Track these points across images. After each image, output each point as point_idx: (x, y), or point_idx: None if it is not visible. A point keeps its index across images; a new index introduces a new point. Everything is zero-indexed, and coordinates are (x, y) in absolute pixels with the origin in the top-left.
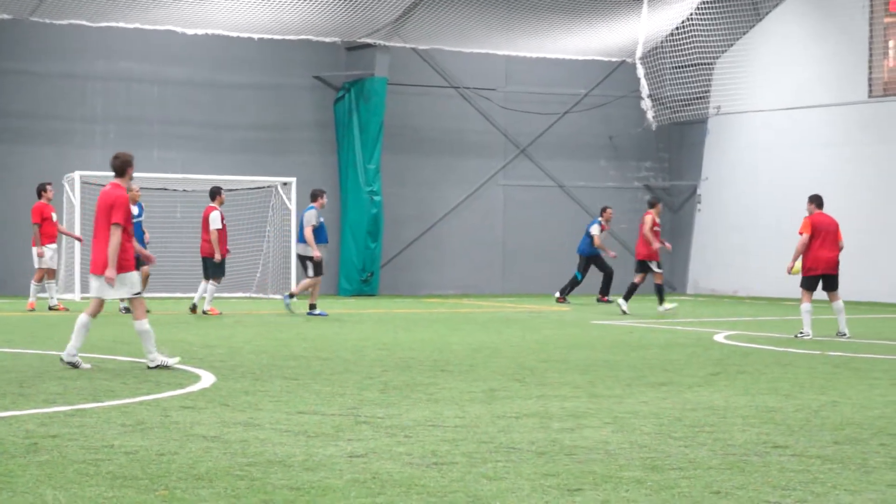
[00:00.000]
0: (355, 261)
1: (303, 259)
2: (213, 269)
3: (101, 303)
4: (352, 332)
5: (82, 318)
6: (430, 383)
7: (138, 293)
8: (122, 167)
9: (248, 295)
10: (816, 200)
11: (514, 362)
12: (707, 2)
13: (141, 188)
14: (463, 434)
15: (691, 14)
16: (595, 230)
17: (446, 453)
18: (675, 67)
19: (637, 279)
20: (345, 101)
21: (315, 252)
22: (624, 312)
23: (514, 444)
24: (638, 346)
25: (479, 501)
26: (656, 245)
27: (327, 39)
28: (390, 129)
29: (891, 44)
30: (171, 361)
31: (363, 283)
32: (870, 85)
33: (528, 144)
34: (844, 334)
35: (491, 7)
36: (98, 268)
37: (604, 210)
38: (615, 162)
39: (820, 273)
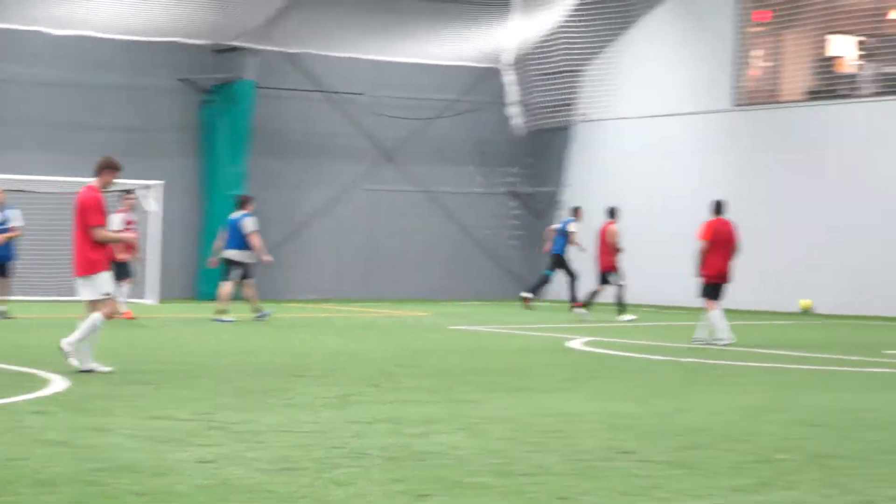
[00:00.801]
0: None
1: (235, 264)
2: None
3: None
4: (210, 337)
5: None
6: (286, 388)
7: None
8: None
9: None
10: (714, 207)
11: (371, 367)
12: (576, 10)
13: (5, 190)
14: (315, 439)
15: (560, 22)
16: (574, 227)
17: (297, 459)
18: (543, 74)
19: (598, 288)
20: (212, 104)
21: (267, 257)
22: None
23: (366, 449)
24: (496, 352)
25: None
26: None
27: (195, 42)
28: (257, 132)
29: (756, 53)
30: (103, 369)
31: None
32: (735, 94)
33: (393, 150)
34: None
35: (361, 11)
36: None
37: (576, 210)
38: (482, 168)
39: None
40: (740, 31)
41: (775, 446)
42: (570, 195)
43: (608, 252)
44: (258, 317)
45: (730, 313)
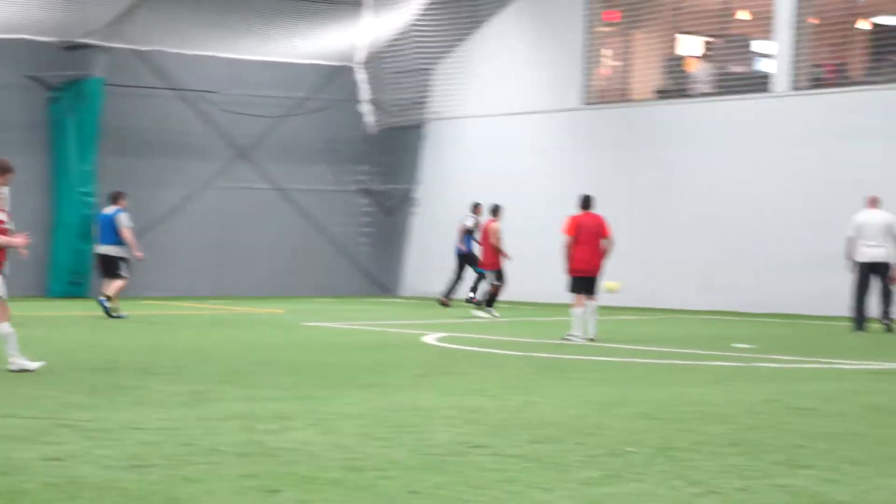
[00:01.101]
0: (66, 262)
1: (112, 259)
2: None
3: None
4: (60, 335)
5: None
6: (137, 386)
7: None
8: None
9: None
10: (581, 201)
11: (223, 364)
12: (428, 8)
13: None
14: (165, 436)
15: (411, 20)
16: (471, 222)
17: (147, 456)
18: (395, 72)
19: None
20: (60, 102)
21: (139, 253)
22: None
23: (217, 446)
24: (349, 348)
25: (176, 503)
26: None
27: (43, 38)
28: (108, 130)
29: (605, 52)
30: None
31: (74, 284)
32: (585, 92)
33: (247, 147)
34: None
35: (213, 9)
36: None
37: (476, 206)
38: (333, 166)
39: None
40: (590, 30)
41: (624, 439)
42: (423, 192)
43: (491, 250)
44: (116, 315)
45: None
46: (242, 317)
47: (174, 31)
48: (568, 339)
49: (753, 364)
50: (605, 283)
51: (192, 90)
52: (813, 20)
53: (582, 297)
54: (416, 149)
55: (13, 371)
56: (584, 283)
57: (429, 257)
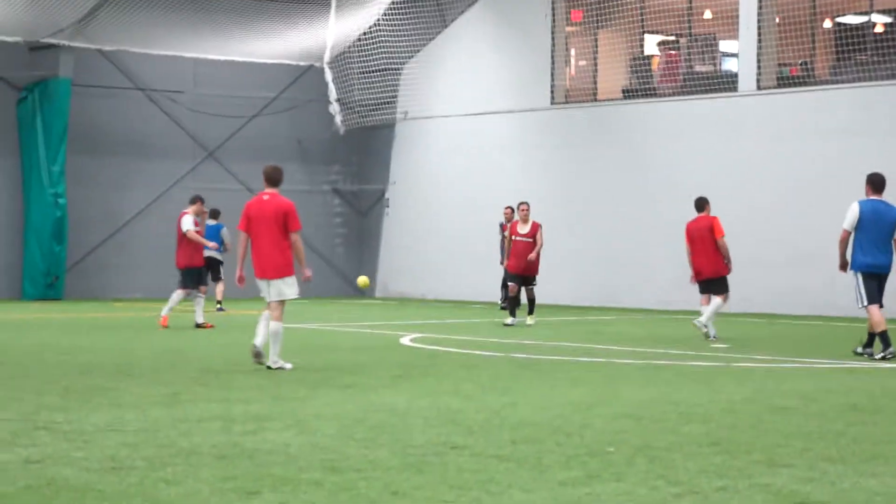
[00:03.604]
0: (40, 264)
1: (215, 263)
2: (198, 277)
3: None
4: (34, 337)
5: None
6: (113, 388)
7: None
8: None
9: None
10: (696, 204)
11: (199, 366)
12: (394, 8)
13: None
14: (143, 438)
15: (379, 20)
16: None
17: (125, 458)
18: (364, 72)
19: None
20: (27, 102)
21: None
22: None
23: (195, 447)
24: (325, 349)
25: None
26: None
27: (9, 39)
28: (75, 130)
29: (572, 52)
30: None
31: (48, 287)
32: (552, 92)
33: (216, 148)
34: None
35: (178, 9)
36: None
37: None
38: (304, 165)
39: (705, 278)
40: (557, 30)
41: (604, 439)
42: (395, 193)
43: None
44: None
45: (549, 309)
46: (216, 318)
47: (140, 31)
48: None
49: (732, 364)
50: (359, 279)
51: (159, 90)
52: (777, 19)
53: (706, 297)
54: (386, 148)
55: None
56: (706, 285)
57: (402, 257)
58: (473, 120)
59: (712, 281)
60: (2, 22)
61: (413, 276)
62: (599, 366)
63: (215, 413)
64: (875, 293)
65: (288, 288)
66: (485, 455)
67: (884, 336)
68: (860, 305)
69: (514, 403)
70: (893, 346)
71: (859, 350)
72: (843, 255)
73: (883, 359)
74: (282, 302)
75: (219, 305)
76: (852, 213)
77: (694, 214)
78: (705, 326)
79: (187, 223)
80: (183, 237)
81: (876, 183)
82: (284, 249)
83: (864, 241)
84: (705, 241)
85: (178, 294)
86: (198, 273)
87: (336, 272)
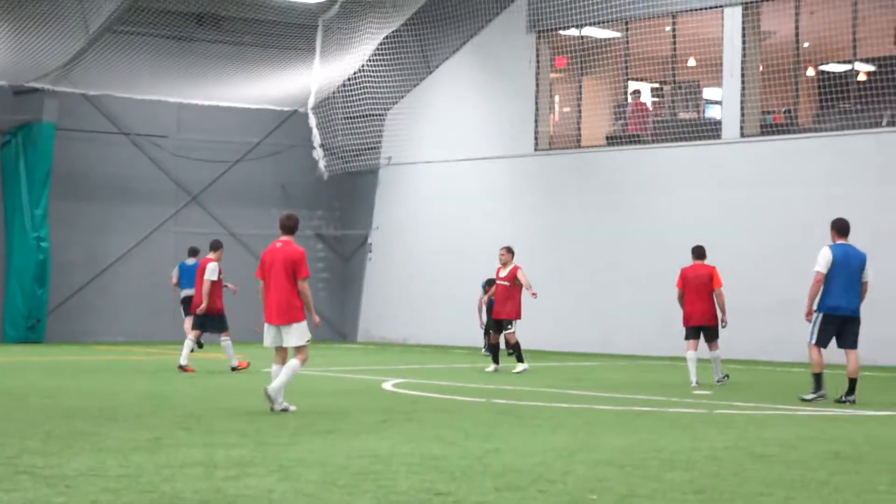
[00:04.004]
0: (21, 307)
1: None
2: (220, 323)
3: None
4: (15, 380)
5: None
6: (95, 432)
7: None
8: None
9: None
10: (695, 251)
11: (181, 410)
12: (378, 54)
13: None
14: (125, 483)
15: (363, 65)
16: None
17: None
18: (348, 118)
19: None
20: (11, 146)
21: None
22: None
23: (178, 493)
24: (307, 394)
25: None
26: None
27: None
28: (59, 174)
29: (556, 99)
30: None
31: (29, 329)
32: (536, 138)
33: (199, 192)
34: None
35: (162, 55)
36: None
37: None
38: (287, 210)
39: (695, 325)
40: (541, 77)
41: (587, 487)
42: (378, 238)
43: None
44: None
45: (536, 354)
46: (198, 362)
47: (124, 76)
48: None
49: (714, 410)
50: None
51: (143, 135)
52: (761, 67)
53: (692, 343)
54: (370, 194)
55: None
56: (697, 331)
57: (384, 303)
58: (457, 166)
59: (704, 329)
60: None
61: (395, 321)
62: (580, 412)
63: (198, 458)
64: (827, 336)
65: (298, 334)
66: (467, 502)
67: (817, 378)
68: (809, 340)
69: (496, 450)
70: (824, 390)
71: (842, 398)
72: (812, 299)
73: (804, 401)
74: (302, 346)
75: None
76: (825, 257)
77: (685, 261)
78: (724, 377)
79: (212, 272)
80: (210, 283)
81: (842, 228)
82: (294, 296)
83: (832, 285)
84: (702, 288)
85: (192, 338)
86: (220, 319)
87: (319, 316)
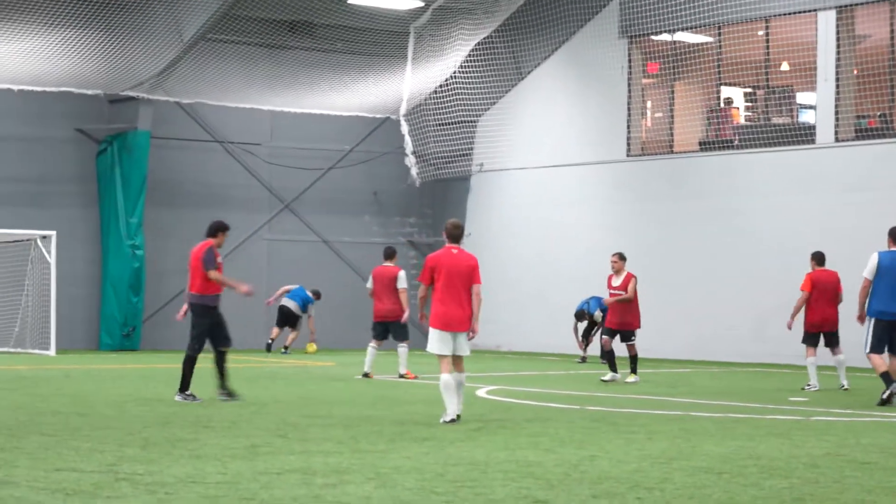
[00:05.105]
0: (117, 315)
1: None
2: (402, 331)
3: None
4: (112, 388)
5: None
6: (192, 439)
7: None
8: None
9: (5, 350)
10: (817, 257)
11: (277, 418)
12: (470, 60)
13: None
14: (224, 490)
15: (455, 72)
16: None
17: None
18: (439, 125)
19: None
20: (107, 154)
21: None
22: None
23: (277, 500)
24: (401, 402)
25: None
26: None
27: (89, 92)
28: (154, 182)
29: (648, 104)
30: None
31: (125, 337)
32: (628, 144)
33: (292, 199)
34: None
35: (255, 63)
36: None
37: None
38: (379, 217)
39: (819, 330)
40: (633, 82)
41: (685, 494)
42: (469, 244)
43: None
44: None
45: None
46: (293, 370)
47: (218, 84)
48: (806, 388)
49: (811, 417)
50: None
51: (236, 143)
52: (855, 71)
53: (812, 349)
54: (462, 201)
55: None
56: (818, 336)
57: None
58: (549, 172)
59: (828, 334)
60: (82, 76)
61: (488, 327)
62: (676, 419)
63: (295, 465)
64: (880, 342)
65: (469, 342)
66: None
67: (885, 377)
68: (866, 351)
69: (592, 457)
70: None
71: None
72: (862, 304)
73: (883, 401)
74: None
75: (285, 349)
76: (872, 263)
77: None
78: (843, 386)
79: (404, 280)
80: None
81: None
82: (470, 303)
83: (879, 289)
84: (830, 293)
85: (375, 346)
86: (403, 326)
87: (412, 323)
